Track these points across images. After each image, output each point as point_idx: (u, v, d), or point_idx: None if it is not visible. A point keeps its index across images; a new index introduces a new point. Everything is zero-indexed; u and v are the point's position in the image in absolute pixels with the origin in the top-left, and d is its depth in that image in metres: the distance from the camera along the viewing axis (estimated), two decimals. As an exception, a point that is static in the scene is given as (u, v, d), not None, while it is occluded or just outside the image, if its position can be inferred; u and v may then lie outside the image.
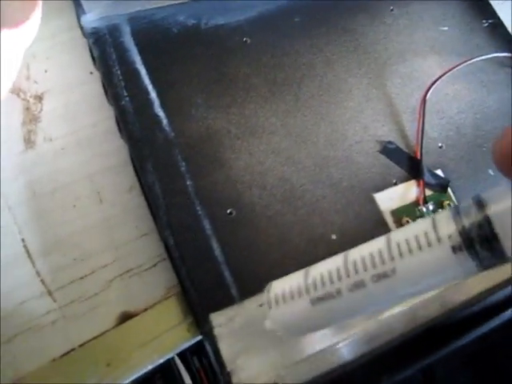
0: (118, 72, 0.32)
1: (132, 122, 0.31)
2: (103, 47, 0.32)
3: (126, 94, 0.31)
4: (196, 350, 0.29)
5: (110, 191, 0.31)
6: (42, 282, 0.28)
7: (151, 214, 0.30)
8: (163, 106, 0.32)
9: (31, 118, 0.31)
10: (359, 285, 0.20)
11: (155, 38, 0.33)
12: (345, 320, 0.23)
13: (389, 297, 0.20)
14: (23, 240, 0.29)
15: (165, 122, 0.31)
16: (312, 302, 0.22)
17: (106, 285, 0.29)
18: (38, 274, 0.28)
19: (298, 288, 0.22)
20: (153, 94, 0.32)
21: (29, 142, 0.31)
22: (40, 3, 0.27)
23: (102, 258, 0.30)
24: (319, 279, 0.22)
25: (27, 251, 0.29)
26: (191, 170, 0.30)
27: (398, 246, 0.20)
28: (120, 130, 0.32)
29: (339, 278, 0.21)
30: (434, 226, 0.19)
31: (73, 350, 0.28)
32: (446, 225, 0.18)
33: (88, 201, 0.30)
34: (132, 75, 0.32)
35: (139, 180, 0.31)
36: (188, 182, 0.30)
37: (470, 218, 0.18)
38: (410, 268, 0.19)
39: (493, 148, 0.18)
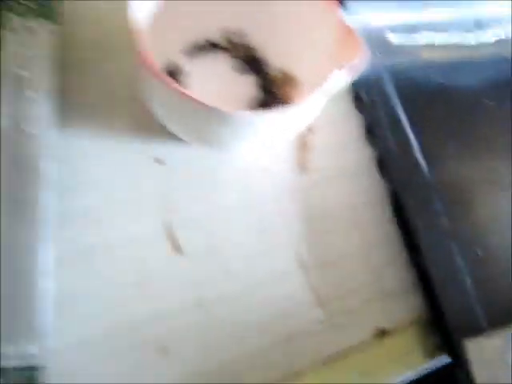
0: (382, 117, 0.36)
1: (393, 163, 0.35)
2: (370, 94, 0.37)
3: (389, 137, 0.36)
4: (438, 373, 0.33)
5: (369, 221, 0.35)
6: (315, 293, 0.33)
7: (407, 244, 0.34)
8: (422, 151, 0.36)
9: (304, 147, 0.36)
10: None
11: (414, 90, 0.38)
12: None
13: None
14: (299, 254, 0.33)
15: (423, 164, 0.35)
16: None
17: (365, 302, 0.33)
18: (311, 285, 0.33)
19: None
20: (412, 140, 0.36)
21: (302, 167, 0.36)
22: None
23: (362, 278, 0.34)
24: None
25: (302, 265, 0.33)
26: (446, 211, 0.34)
27: None
28: (381, 168, 0.36)
29: None
30: None
31: (333, 354, 0.32)
32: None
33: (349, 227, 0.35)
34: (394, 121, 0.36)
35: (396, 214, 0.35)
36: (443, 221, 0.34)
37: None
38: None
39: None
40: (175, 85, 0.26)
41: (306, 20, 0.33)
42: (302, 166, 0.35)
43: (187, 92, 0.26)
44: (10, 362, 0.25)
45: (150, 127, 0.34)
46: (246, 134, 0.29)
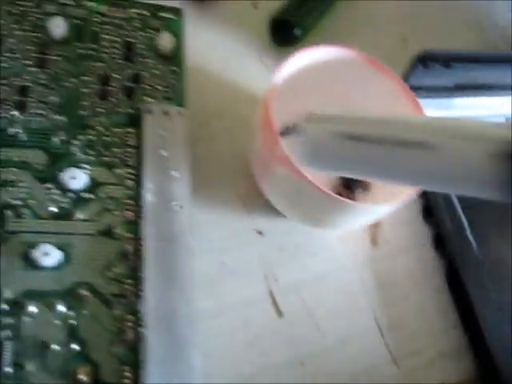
0: (439, 202, 0.43)
1: (448, 240, 0.42)
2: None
3: (444, 218, 0.43)
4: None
5: (429, 289, 0.42)
6: (389, 351, 0.39)
7: (462, 310, 0.41)
8: (472, 230, 0.43)
9: (376, 224, 0.42)
10: (400, 143, 0.20)
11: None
12: (372, 174, 0.23)
13: (420, 169, 0.20)
14: (375, 318, 0.40)
15: (473, 243, 0.42)
16: (348, 137, 0.22)
17: (429, 361, 0.40)
18: (386, 345, 0.39)
19: (339, 117, 0.23)
20: (464, 221, 0.43)
21: (374, 241, 0.42)
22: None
23: (425, 339, 0.40)
24: (367, 119, 0.22)
25: (378, 327, 0.39)
26: (494, 283, 0.41)
27: (452, 127, 0.19)
28: (436, 244, 0.43)
29: (386, 128, 0.21)
30: (493, 127, 0.18)
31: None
32: (502, 130, 0.17)
33: (413, 294, 0.41)
34: (449, 205, 0.43)
35: (449, 284, 0.42)
36: (491, 290, 0.41)
37: None
38: (448, 151, 0.18)
39: None
40: (305, 175, 0.32)
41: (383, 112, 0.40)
42: (374, 240, 0.42)
43: (315, 183, 0.32)
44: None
45: (255, 201, 0.39)
46: (354, 219, 0.35)
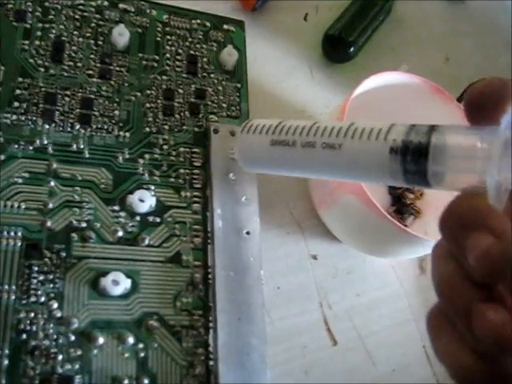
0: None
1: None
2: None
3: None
4: None
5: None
6: (437, 380, 0.39)
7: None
8: None
9: (424, 252, 0.42)
10: (310, 145, 0.23)
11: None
12: (296, 172, 0.26)
13: (331, 165, 0.23)
14: (424, 346, 0.39)
15: None
16: (271, 143, 0.25)
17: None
18: (434, 374, 0.39)
19: (268, 127, 0.26)
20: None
21: (421, 268, 0.42)
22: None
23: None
24: (286, 128, 0.25)
25: (427, 356, 0.39)
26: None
27: (355, 129, 0.22)
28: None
29: (300, 133, 0.24)
30: (389, 129, 0.21)
31: None
32: (398, 132, 0.20)
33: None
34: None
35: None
36: None
37: (418, 136, 0.19)
38: (352, 149, 0.22)
39: (464, 97, 0.19)
40: (375, 204, 0.31)
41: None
42: (422, 267, 0.41)
43: (389, 218, 0.32)
44: None
45: (311, 225, 0.38)
46: (413, 250, 0.35)
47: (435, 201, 0.41)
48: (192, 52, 0.36)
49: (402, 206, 0.41)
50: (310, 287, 0.37)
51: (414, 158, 0.19)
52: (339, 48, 0.42)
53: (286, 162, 0.25)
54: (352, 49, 0.42)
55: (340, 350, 0.36)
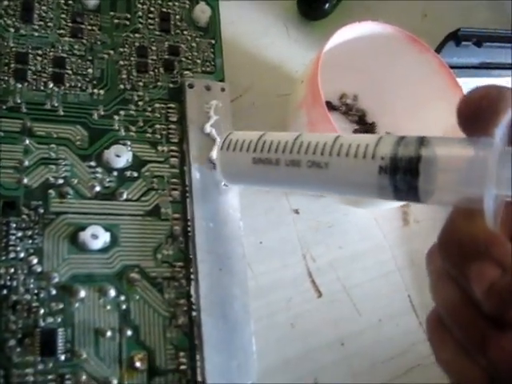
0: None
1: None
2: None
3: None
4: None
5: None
6: (424, 330, 0.39)
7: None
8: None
9: (406, 204, 0.42)
10: (295, 163, 0.22)
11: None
12: (280, 188, 0.27)
13: (317, 184, 0.23)
14: (409, 296, 0.40)
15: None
16: (254, 161, 0.24)
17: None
18: (420, 324, 0.39)
19: (248, 143, 0.25)
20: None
21: (404, 220, 0.42)
22: None
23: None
24: (268, 144, 0.24)
25: (412, 305, 0.39)
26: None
27: (341, 146, 0.21)
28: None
29: (283, 151, 0.23)
30: (377, 144, 0.20)
31: None
32: (386, 147, 0.19)
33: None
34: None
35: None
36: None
37: (407, 150, 0.19)
38: (340, 168, 0.21)
39: (457, 107, 0.18)
40: None
41: (420, 91, 0.39)
42: (405, 219, 0.41)
43: None
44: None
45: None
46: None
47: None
48: (164, 9, 0.36)
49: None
50: (293, 241, 0.37)
51: (404, 177, 0.19)
52: (314, 5, 0.42)
53: (271, 180, 0.25)
54: (327, 6, 0.42)
55: (325, 301, 0.37)
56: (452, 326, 0.18)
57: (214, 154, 0.32)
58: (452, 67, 0.38)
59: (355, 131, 0.41)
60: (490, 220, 0.16)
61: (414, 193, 0.19)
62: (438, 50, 0.41)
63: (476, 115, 0.17)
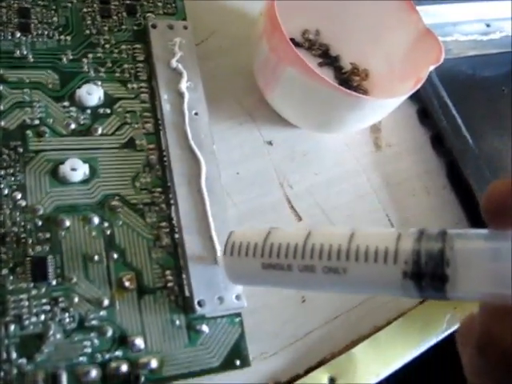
0: (434, 104, 0.45)
1: (446, 140, 0.44)
2: (423, 86, 0.45)
3: (441, 119, 0.44)
4: None
5: (431, 187, 0.44)
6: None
7: (463, 204, 0.43)
8: (467, 128, 0.45)
9: (376, 129, 0.44)
10: (310, 269, 0.21)
11: (453, 80, 0.47)
12: (295, 289, 0.26)
13: (334, 288, 0.21)
14: (387, 215, 0.41)
15: (469, 139, 0.44)
16: (263, 266, 0.23)
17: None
18: (400, 239, 0.41)
19: (254, 247, 0.23)
20: (459, 120, 0.45)
21: (376, 145, 0.43)
22: None
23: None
24: (276, 247, 0.22)
25: (391, 224, 0.41)
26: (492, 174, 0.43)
27: (358, 248, 0.20)
28: (434, 145, 0.44)
29: (294, 256, 0.22)
30: (397, 244, 0.19)
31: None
32: (407, 247, 0.19)
33: (417, 192, 0.43)
34: (443, 106, 0.45)
35: (451, 180, 0.43)
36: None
37: (430, 251, 0.18)
38: (360, 274, 0.20)
39: (481, 203, 0.17)
40: (316, 72, 0.33)
41: (380, 20, 0.41)
42: (377, 144, 0.43)
43: (325, 78, 0.33)
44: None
45: (262, 113, 0.40)
46: (362, 115, 0.36)
47: (381, 81, 0.43)
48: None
49: (349, 89, 0.42)
50: (269, 171, 0.39)
51: (432, 283, 0.18)
52: None
53: (283, 283, 0.23)
54: None
55: (306, 224, 0.38)
56: None
57: (182, 85, 0.33)
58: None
59: (319, 64, 0.43)
60: None
61: (441, 295, 0.18)
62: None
63: (501, 208, 0.17)
